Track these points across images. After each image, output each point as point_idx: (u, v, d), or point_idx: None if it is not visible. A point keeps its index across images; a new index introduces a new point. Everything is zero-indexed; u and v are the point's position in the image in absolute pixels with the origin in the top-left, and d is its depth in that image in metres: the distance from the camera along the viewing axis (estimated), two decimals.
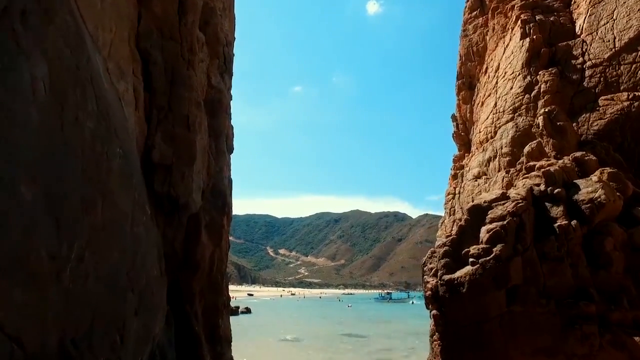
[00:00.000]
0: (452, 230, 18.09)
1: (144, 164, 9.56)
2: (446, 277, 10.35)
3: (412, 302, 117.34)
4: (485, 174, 15.79)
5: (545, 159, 11.93)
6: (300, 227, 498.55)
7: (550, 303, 9.28)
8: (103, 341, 4.25)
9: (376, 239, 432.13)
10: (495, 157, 15.24)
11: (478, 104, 18.67)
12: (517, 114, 14.52)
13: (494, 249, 9.62)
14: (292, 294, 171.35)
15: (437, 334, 10.53)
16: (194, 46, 10.92)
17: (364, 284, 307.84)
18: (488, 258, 9.60)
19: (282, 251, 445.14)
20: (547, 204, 10.32)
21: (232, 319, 46.16)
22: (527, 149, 13.13)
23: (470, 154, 18.58)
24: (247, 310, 65.55)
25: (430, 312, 11.76)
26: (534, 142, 13.00)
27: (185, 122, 10.29)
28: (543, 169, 10.83)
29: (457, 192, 18.46)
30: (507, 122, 14.88)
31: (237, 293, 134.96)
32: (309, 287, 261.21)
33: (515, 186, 11.42)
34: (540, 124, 12.85)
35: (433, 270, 10.96)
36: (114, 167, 4.70)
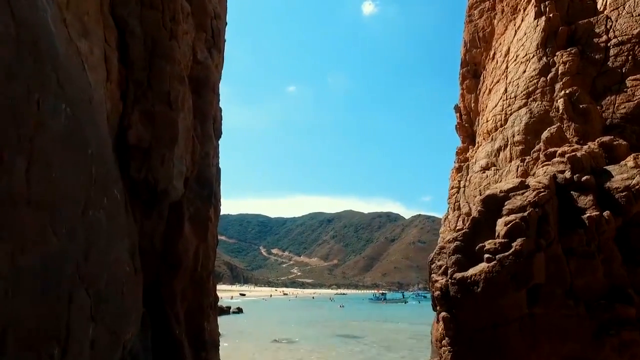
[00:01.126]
0: (456, 225, 17.03)
1: (119, 147, 8.40)
2: (458, 275, 9.25)
3: (406, 302, 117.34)
4: (495, 165, 14.73)
5: (566, 145, 10.87)
6: (294, 227, 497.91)
7: (579, 305, 8.20)
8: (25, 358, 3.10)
9: (369, 239, 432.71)
10: (506, 146, 14.17)
11: (484, 92, 17.62)
12: (531, 99, 13.46)
13: (514, 244, 8.52)
14: (285, 294, 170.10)
15: (446, 338, 9.43)
16: (177, 15, 9.73)
17: (357, 284, 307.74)
18: (507, 254, 8.50)
19: (275, 251, 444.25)
20: (573, 193, 9.23)
21: (223, 319, 44.93)
22: (545, 134, 12.04)
23: (476, 145, 17.54)
24: (239, 310, 64.35)
25: (437, 314, 10.66)
26: (554, 127, 11.92)
27: (167, 99, 9.11)
28: (568, 155, 9.74)
29: (461, 185, 17.41)
30: (520, 108, 13.82)
31: (229, 293, 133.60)
32: (301, 287, 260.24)
33: (534, 174, 10.36)
34: (560, 108, 11.78)
35: (442, 268, 9.86)
36: (52, 125, 3.53)
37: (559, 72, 12.61)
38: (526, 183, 9.53)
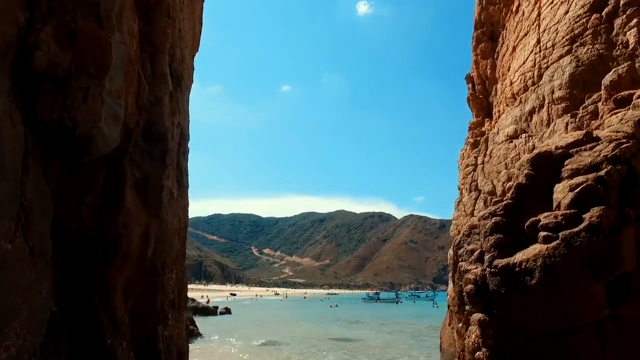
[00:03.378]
0: (474, 208, 14.53)
1: (19, 74, 5.78)
2: (500, 262, 6.72)
3: (398, 302, 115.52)
4: (526, 131, 12.26)
5: None
6: (285, 227, 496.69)
7: None
8: None
9: (361, 239, 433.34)
10: (541, 106, 11.70)
11: (504, 54, 15.16)
12: (577, 43, 10.99)
13: (586, 215, 6.04)
14: (277, 294, 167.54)
15: (483, 349, 6.89)
16: None
17: (349, 284, 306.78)
18: (576, 229, 6.00)
19: (266, 251, 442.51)
20: None
21: (210, 320, 41.84)
22: (609, 78, 9.52)
23: (496, 115, 15.08)
24: (227, 311, 61.53)
25: (466, 315, 8.10)
26: (622, 66, 9.42)
27: (95, 12, 6.46)
28: None
29: (478, 162, 14.96)
30: (561, 57, 11.35)
31: (220, 293, 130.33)
32: (293, 287, 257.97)
33: (600, 126, 7.92)
34: (631, 42, 9.33)
35: (476, 253, 7.34)
36: None
37: (620, 2, 10.14)
38: (593, 135, 7.06)
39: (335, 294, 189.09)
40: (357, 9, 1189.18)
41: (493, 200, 9.46)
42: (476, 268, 7.13)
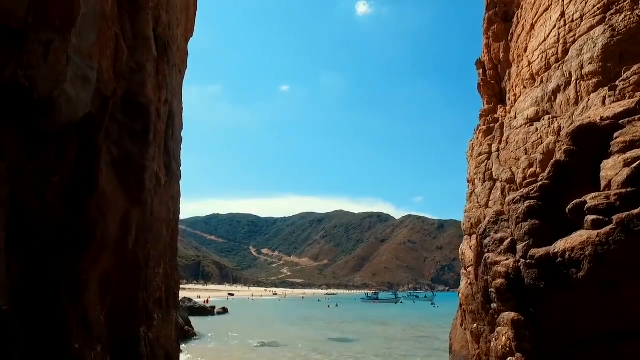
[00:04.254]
0: (489, 199, 13.53)
1: None
2: (537, 251, 5.74)
3: (396, 302, 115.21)
4: (549, 113, 11.25)
5: None
6: (284, 227, 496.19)
7: None
8: None
9: (359, 239, 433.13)
10: (567, 84, 10.70)
11: (521, 33, 14.16)
12: (612, 11, 10.01)
13: None
14: (275, 294, 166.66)
15: (518, 354, 5.89)
16: None
17: (347, 284, 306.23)
18: (636, 212, 5.02)
19: (265, 251, 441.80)
20: None
21: (207, 320, 40.77)
22: None
23: (511, 99, 14.07)
24: (224, 311, 60.57)
25: (492, 314, 7.11)
26: None
27: None
28: None
29: (493, 150, 13.95)
30: (591, 28, 10.37)
31: (218, 293, 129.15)
32: (291, 287, 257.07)
33: None
34: None
35: (506, 243, 6.35)
36: None
37: None
38: None
39: (334, 294, 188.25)
40: (357, 9, 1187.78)
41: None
42: (507, 259, 6.14)
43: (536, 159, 10.27)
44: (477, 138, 15.50)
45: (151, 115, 6.99)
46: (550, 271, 5.55)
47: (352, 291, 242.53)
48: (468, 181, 16.31)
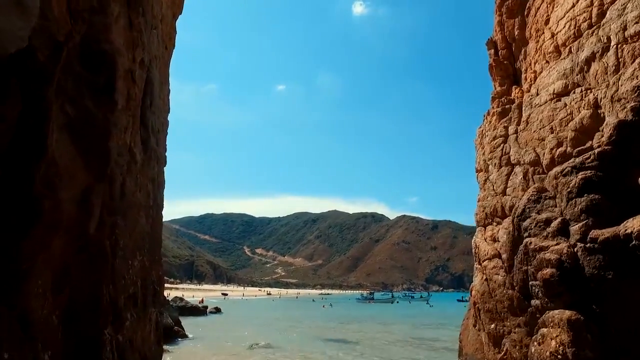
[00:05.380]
0: (506, 186, 12.34)
1: None
2: (600, 233, 4.57)
3: (393, 302, 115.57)
4: (580, 85, 10.04)
5: None
6: (278, 227, 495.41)
7: None
8: None
9: (354, 239, 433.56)
10: (605, 50, 9.48)
11: (540, 6, 12.96)
12: None
13: None
14: (269, 294, 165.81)
15: None
16: None
17: (341, 284, 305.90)
18: None
19: (259, 251, 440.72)
20: None
21: (198, 320, 39.32)
22: None
23: (529, 78, 12.88)
24: (217, 310, 59.29)
25: (533, 313, 5.90)
26: None
27: None
28: None
29: (510, 132, 12.75)
30: None
31: (211, 292, 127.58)
32: (285, 287, 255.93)
33: None
34: None
35: (554, 224, 5.20)
36: None
37: None
38: None
39: (328, 294, 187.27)
40: (353, 9, 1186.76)
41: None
42: (558, 244, 4.95)
43: (566, 137, 9.07)
44: (490, 122, 14.30)
45: (118, 67, 5.70)
46: (620, 257, 4.37)
47: (346, 291, 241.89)
48: (477, 170, 15.14)
